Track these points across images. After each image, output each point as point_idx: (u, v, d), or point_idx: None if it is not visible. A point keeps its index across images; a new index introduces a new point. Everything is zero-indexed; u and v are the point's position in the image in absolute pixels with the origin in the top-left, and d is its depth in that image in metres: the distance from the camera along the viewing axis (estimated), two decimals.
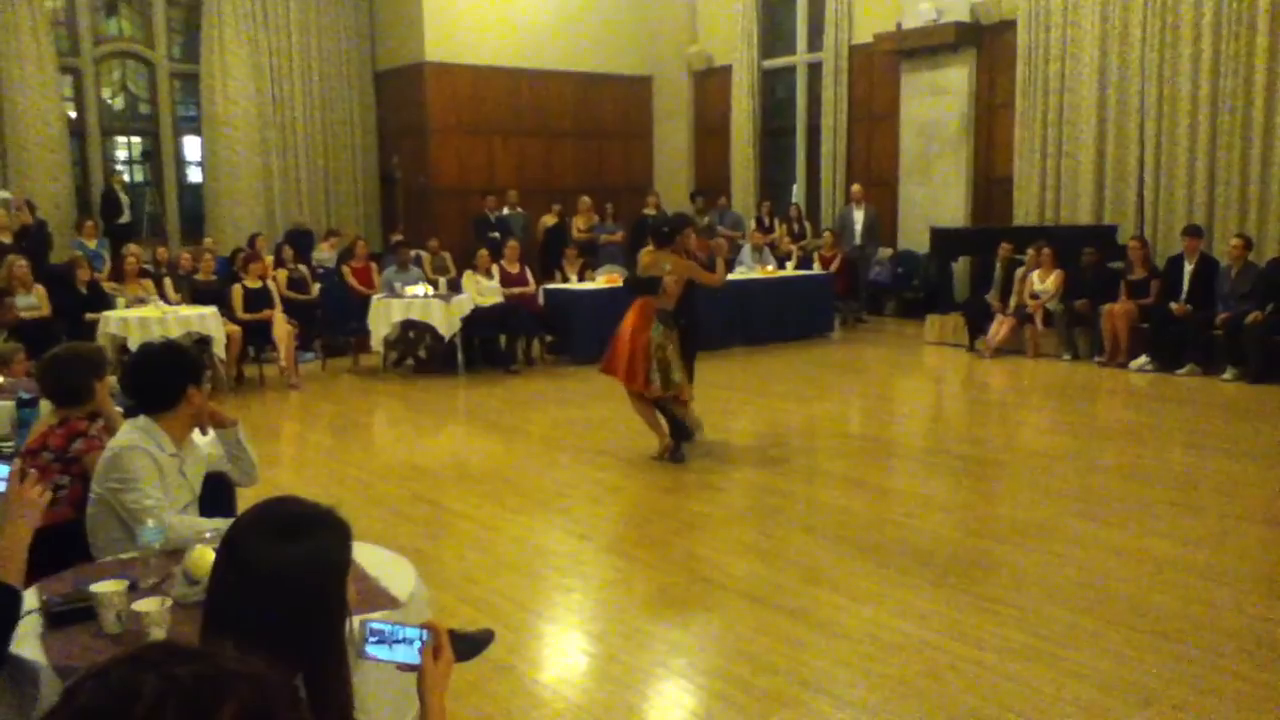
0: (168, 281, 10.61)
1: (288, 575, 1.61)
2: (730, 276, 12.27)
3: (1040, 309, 10.55)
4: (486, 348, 10.47)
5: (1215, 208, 10.87)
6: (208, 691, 0.98)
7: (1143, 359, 9.71)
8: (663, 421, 6.71)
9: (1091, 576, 4.53)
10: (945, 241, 12.65)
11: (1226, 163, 10.73)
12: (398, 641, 1.81)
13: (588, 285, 11.32)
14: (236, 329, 9.39)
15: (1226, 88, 10.64)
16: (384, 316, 9.95)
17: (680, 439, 6.72)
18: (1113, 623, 4.00)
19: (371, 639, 1.80)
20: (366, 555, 2.68)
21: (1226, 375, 9.10)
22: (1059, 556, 4.81)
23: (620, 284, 11.18)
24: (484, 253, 10.98)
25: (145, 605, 2.29)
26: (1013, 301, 10.84)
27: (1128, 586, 4.40)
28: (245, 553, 1.63)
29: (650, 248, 6.69)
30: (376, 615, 2.12)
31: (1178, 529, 5.17)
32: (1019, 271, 10.93)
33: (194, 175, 15.06)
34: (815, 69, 14.82)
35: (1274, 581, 4.53)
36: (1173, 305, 9.63)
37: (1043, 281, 10.66)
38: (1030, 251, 10.85)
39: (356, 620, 1.82)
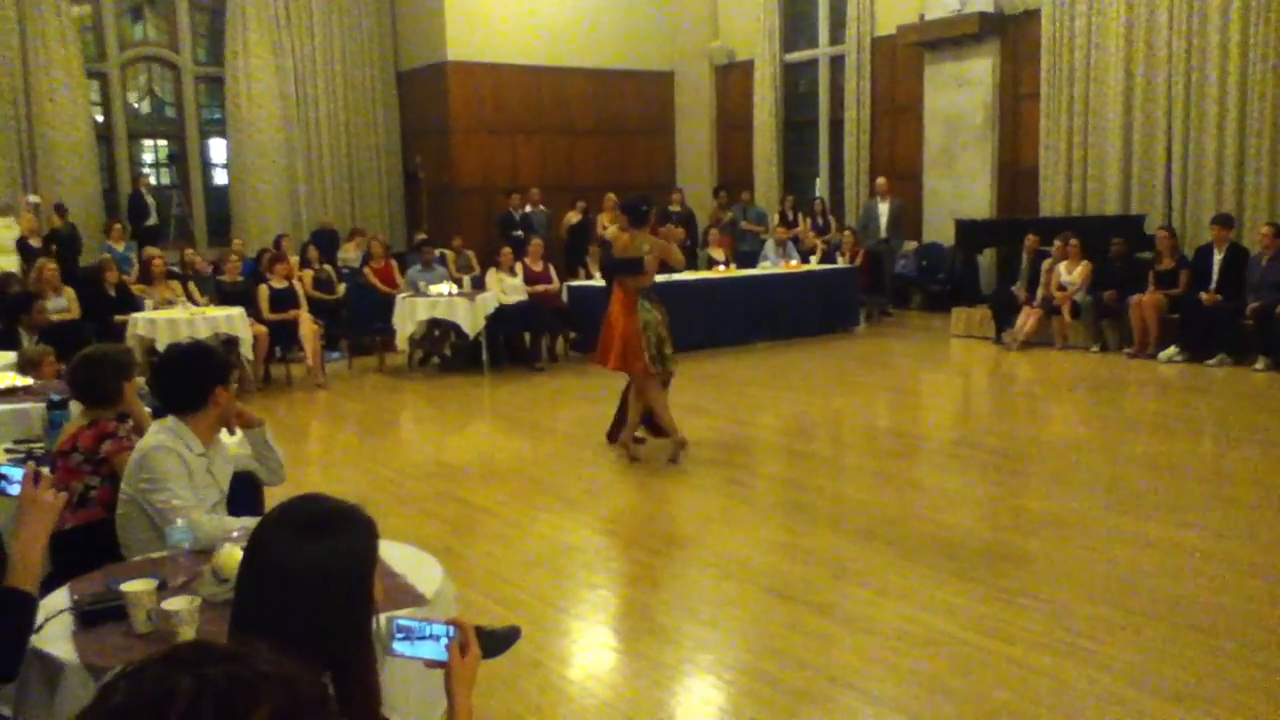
0: (193, 284, 10.69)
1: (314, 573, 1.61)
2: (754, 271, 12.37)
3: (1067, 300, 10.45)
4: (511, 345, 10.50)
5: (1245, 196, 10.74)
6: (242, 693, 0.98)
7: (1172, 350, 9.61)
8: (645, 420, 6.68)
9: (1122, 570, 4.49)
10: (971, 234, 12.57)
11: (1256, 150, 10.60)
12: (425, 638, 1.81)
13: None
14: (263, 329, 9.45)
15: (1256, 74, 10.50)
16: (409, 315, 9.99)
17: (634, 429, 6.72)
18: (1144, 616, 3.96)
19: (399, 636, 1.81)
20: (393, 553, 2.69)
21: (1258, 365, 8.99)
22: (1089, 550, 4.76)
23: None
24: (507, 250, 11.01)
25: (175, 604, 2.31)
26: (1040, 293, 10.75)
27: (1159, 579, 4.36)
28: (271, 551, 1.64)
29: (623, 229, 6.69)
30: (404, 612, 2.12)
31: (1209, 521, 5.11)
32: (1046, 263, 10.84)
33: (220, 177, 15.18)
34: (838, 62, 14.75)
35: None
36: (1202, 295, 9.52)
37: (1070, 273, 10.57)
38: (1057, 243, 10.76)
39: (383, 617, 1.83)
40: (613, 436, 6.89)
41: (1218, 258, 9.64)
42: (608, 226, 13.66)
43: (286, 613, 1.59)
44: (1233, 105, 10.69)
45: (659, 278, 6.88)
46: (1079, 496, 5.63)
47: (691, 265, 13.21)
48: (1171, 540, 4.85)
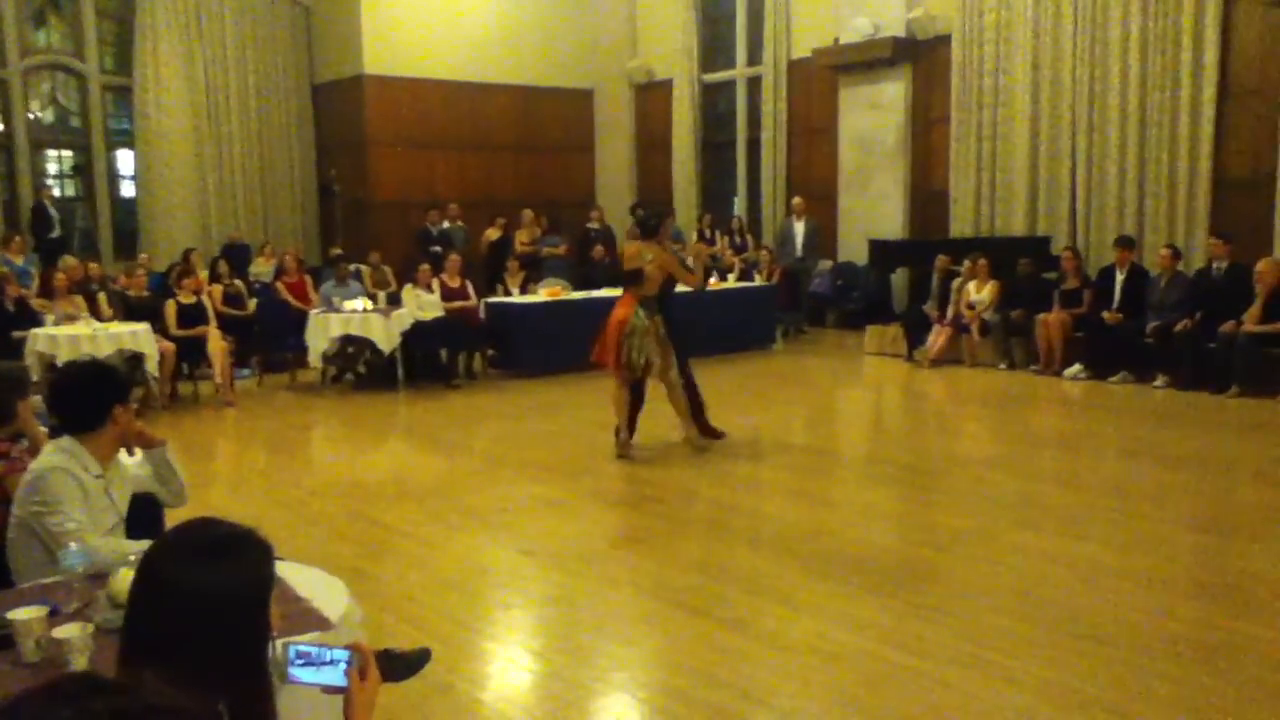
0: (101, 297, 10.38)
1: (208, 597, 1.56)
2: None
3: (977, 319, 10.71)
4: (427, 362, 10.38)
5: (1145, 219, 11.13)
6: None
7: (1076, 367, 9.89)
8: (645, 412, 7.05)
9: (1028, 584, 4.59)
10: (884, 253, 12.81)
11: (1155, 175, 11.00)
12: (324, 663, 1.77)
13: (530, 298, 11.29)
14: (170, 346, 9.20)
15: (1154, 103, 10.91)
16: (322, 331, 9.82)
17: (628, 430, 7.08)
18: (1048, 629, 4.05)
19: (297, 661, 1.76)
20: (298, 575, 2.63)
21: (1157, 382, 9.30)
22: (996, 564, 4.86)
23: (562, 297, 11.25)
24: (425, 266, 10.91)
25: (66, 632, 2.22)
26: (950, 312, 10.99)
27: (1063, 593, 4.46)
28: (164, 575, 1.59)
29: (634, 240, 7.03)
30: (305, 637, 2.07)
31: (1112, 535, 5.26)
32: (956, 282, 11.09)
33: (127, 189, 14.79)
34: (755, 83, 14.95)
35: (1204, 586, 4.62)
36: (1105, 314, 9.83)
37: (979, 292, 10.82)
38: (966, 263, 11.02)
39: (280, 643, 1.79)
40: (706, 430, 7.29)
41: (1119, 278, 9.95)
42: (526, 242, 13.66)
43: (179, 639, 1.54)
44: (1133, 132, 11.08)
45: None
46: (987, 512, 5.75)
47: (610, 282, 13.25)
48: (1076, 554, 4.98)
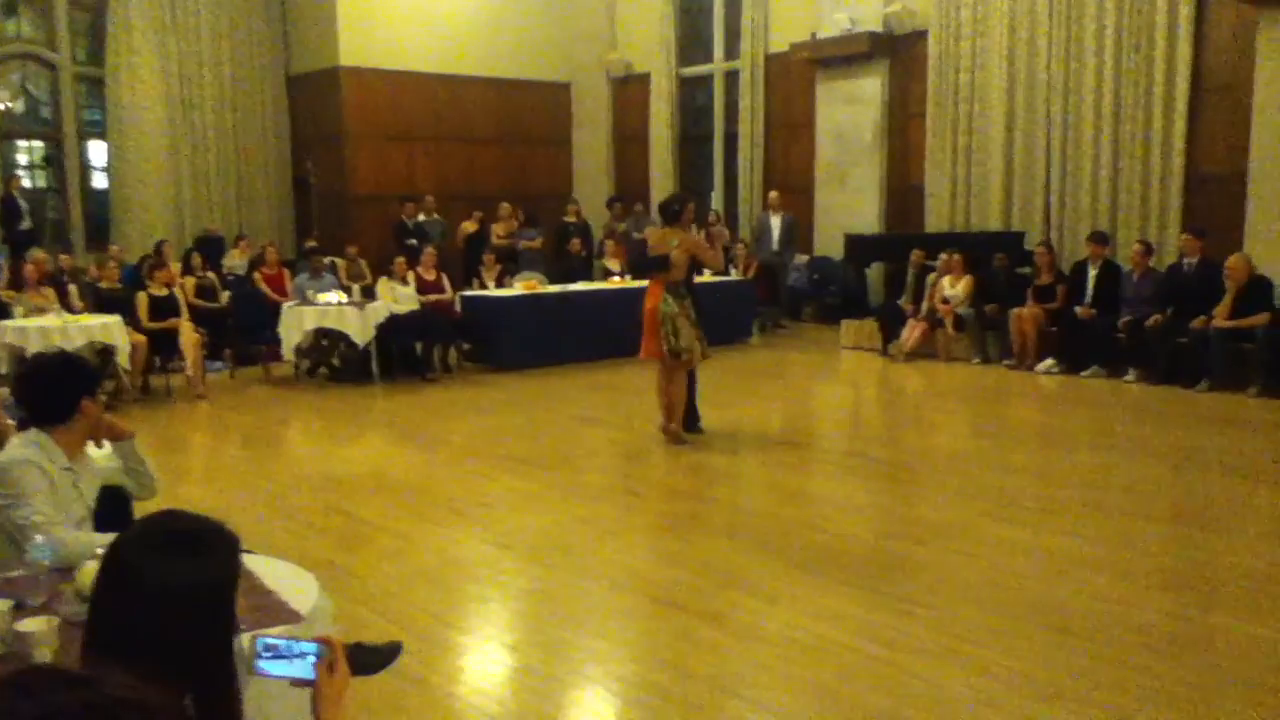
0: (72, 289, 10.27)
1: (173, 590, 1.54)
2: (649, 283, 12.39)
3: (951, 314, 10.76)
4: (403, 356, 10.33)
5: (1118, 215, 11.20)
6: None
7: (1049, 361, 9.96)
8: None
9: (1001, 576, 4.62)
10: (860, 248, 12.84)
11: (1129, 171, 11.07)
12: (293, 656, 1.76)
13: (506, 292, 11.25)
14: (141, 338, 9.12)
15: (1128, 100, 10.99)
16: (296, 324, 9.76)
17: (690, 423, 7.30)
18: (1021, 621, 4.07)
19: (265, 654, 1.75)
20: (268, 569, 2.61)
21: (1129, 377, 9.37)
22: (971, 557, 4.89)
23: (538, 290, 11.21)
24: (401, 259, 10.85)
25: (31, 624, 2.20)
26: (925, 306, 11.03)
27: (1036, 585, 4.49)
28: (128, 567, 1.57)
29: (657, 227, 7.11)
30: (274, 630, 2.06)
31: (1084, 528, 5.30)
32: (931, 277, 11.14)
33: (99, 181, 14.63)
34: (733, 77, 14.95)
35: (1175, 577, 4.66)
36: (1078, 309, 9.89)
37: (953, 287, 10.87)
38: (942, 257, 11.07)
39: (249, 636, 1.77)
40: (687, 425, 7.31)
41: (1092, 273, 10.02)
42: (502, 235, 13.61)
43: (144, 632, 1.52)
44: (1107, 128, 11.15)
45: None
46: (962, 505, 5.78)
47: (587, 276, 13.24)
48: (1048, 547, 5.01)
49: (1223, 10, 10.37)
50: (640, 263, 7.25)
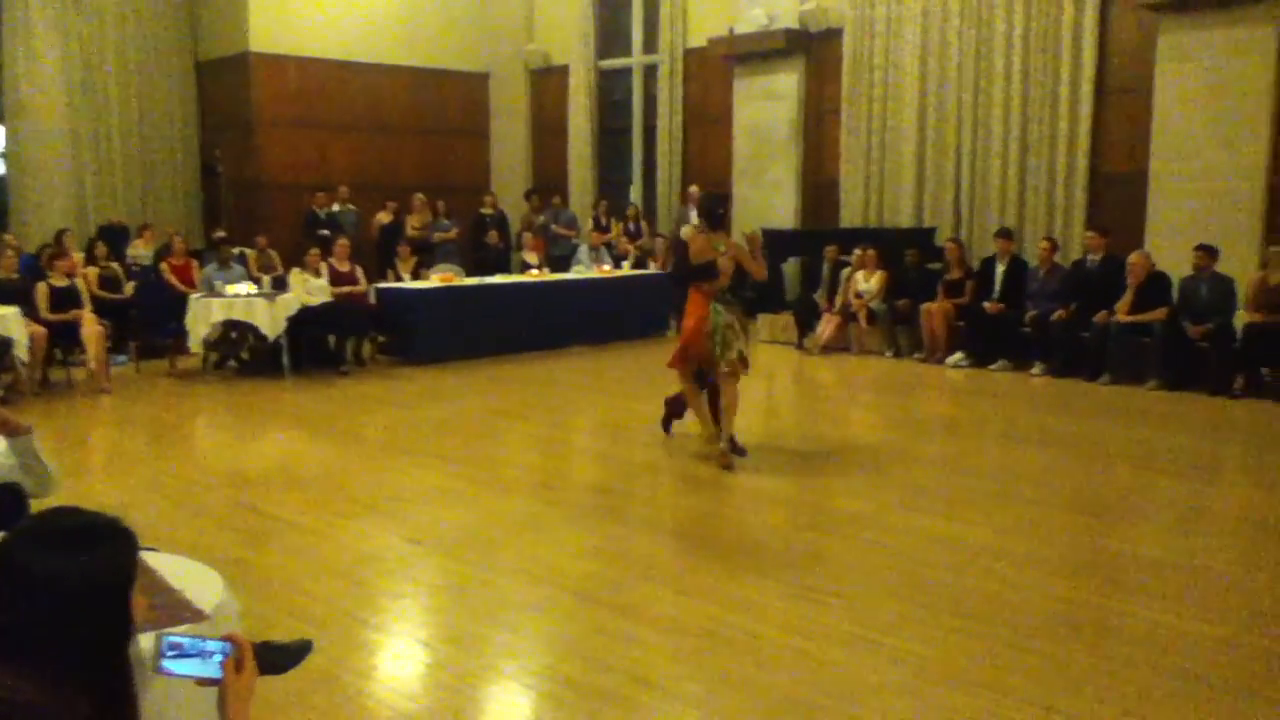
0: None
1: (68, 588, 1.49)
2: (568, 276, 12.38)
3: (864, 308, 10.93)
4: (315, 348, 10.13)
5: (1025, 212, 11.48)
6: None
7: (958, 355, 10.18)
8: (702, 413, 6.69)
9: (911, 565, 4.71)
10: (776, 242, 12.93)
11: (1035, 170, 11.36)
12: (199, 655, 1.71)
13: (421, 284, 11.12)
14: (41, 330, 8.81)
15: (1035, 99, 11.27)
16: (203, 316, 9.51)
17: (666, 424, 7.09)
18: (930, 608, 4.16)
19: (170, 653, 1.70)
20: (171, 566, 2.54)
21: (1035, 370, 9.63)
22: (882, 547, 4.98)
23: (454, 283, 11.10)
24: (314, 250, 10.64)
25: None
26: (839, 301, 11.20)
27: (944, 573, 4.59)
28: (17, 564, 1.51)
29: (696, 232, 6.61)
30: (179, 629, 2.00)
31: (991, 518, 5.42)
32: (845, 272, 11.30)
33: None
34: (651, 71, 14.97)
35: (1076, 564, 4.80)
36: (986, 304, 10.13)
37: (867, 281, 11.05)
38: (856, 253, 11.24)
39: (153, 635, 1.72)
40: (666, 424, 7.16)
41: (1000, 269, 10.27)
42: (417, 227, 13.44)
43: (34, 631, 1.46)
44: (1015, 128, 11.42)
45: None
46: (874, 496, 5.87)
47: (504, 269, 13.14)
48: (958, 536, 5.12)
49: (1125, 15, 10.69)
50: (685, 270, 6.52)
